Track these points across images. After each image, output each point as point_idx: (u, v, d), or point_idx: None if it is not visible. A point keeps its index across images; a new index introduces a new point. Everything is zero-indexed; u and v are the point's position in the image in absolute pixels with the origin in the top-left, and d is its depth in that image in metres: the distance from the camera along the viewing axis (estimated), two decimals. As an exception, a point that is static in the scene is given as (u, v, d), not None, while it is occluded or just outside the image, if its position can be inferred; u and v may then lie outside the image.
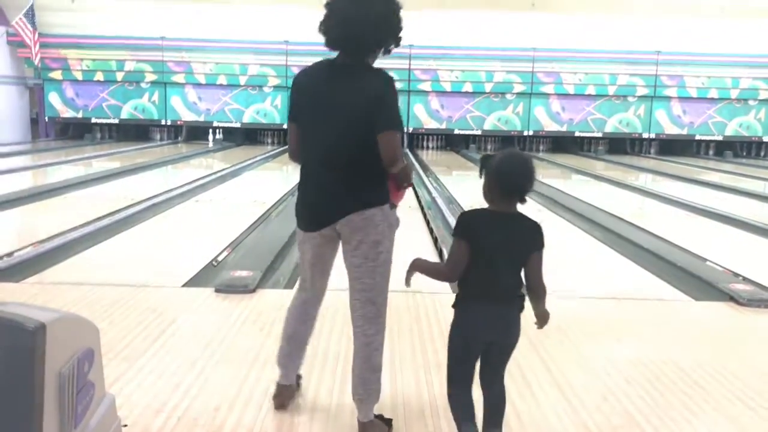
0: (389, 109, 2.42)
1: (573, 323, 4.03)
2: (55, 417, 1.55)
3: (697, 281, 5.10)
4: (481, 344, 2.35)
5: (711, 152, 19.03)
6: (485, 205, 2.35)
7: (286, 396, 2.80)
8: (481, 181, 2.33)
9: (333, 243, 2.61)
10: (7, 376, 1.48)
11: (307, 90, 2.55)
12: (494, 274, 2.30)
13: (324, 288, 2.80)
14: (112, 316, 3.88)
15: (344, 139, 2.44)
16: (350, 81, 2.46)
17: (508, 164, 2.30)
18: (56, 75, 17.52)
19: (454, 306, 2.37)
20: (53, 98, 17.63)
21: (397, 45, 2.54)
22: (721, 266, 5.57)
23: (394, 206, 2.58)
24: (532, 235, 2.36)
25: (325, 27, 2.47)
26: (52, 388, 1.53)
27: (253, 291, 4.44)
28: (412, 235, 6.69)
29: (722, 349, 3.70)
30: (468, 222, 2.33)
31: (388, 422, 2.63)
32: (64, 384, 1.56)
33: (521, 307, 2.35)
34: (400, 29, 2.51)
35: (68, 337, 1.60)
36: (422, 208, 7.92)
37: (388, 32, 2.49)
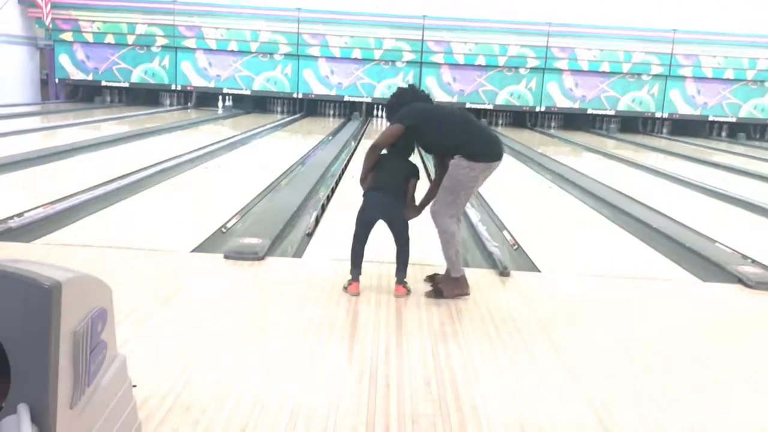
0: None
1: (580, 301, 4.04)
2: (69, 375, 1.57)
3: (706, 262, 5.08)
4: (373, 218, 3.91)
5: (724, 134, 18.86)
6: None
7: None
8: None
9: None
10: (23, 333, 1.49)
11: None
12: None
13: None
14: (121, 279, 3.90)
15: None
16: None
17: None
18: (67, 36, 17.42)
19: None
20: (64, 60, 17.55)
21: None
22: (730, 248, 5.55)
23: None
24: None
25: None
26: (67, 346, 1.54)
27: (262, 258, 4.46)
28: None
29: (729, 330, 3.70)
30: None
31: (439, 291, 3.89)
32: (78, 343, 1.57)
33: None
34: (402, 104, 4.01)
35: (83, 296, 1.61)
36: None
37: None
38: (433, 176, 4.28)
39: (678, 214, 6.93)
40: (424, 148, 4.16)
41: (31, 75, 17.42)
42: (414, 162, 3.99)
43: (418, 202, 4.02)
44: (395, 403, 2.63)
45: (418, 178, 3.97)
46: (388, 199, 3.86)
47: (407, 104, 3.95)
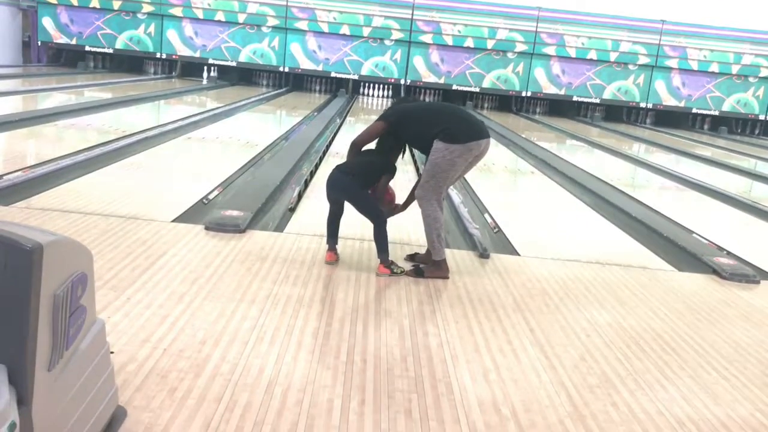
0: None
1: (557, 285, 4.09)
2: (48, 337, 1.57)
3: (682, 252, 5.16)
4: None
5: (706, 126, 19.04)
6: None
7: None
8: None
9: None
10: (3, 295, 1.48)
11: None
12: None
13: None
14: (101, 246, 3.88)
15: None
16: None
17: None
18: (51, -2, 17.09)
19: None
20: (47, 23, 17.21)
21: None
22: (706, 239, 5.64)
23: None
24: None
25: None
26: (46, 309, 1.54)
27: (243, 231, 4.45)
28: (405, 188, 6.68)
29: (701, 319, 3.77)
30: None
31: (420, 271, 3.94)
32: (58, 306, 1.57)
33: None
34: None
35: (64, 259, 1.61)
36: (415, 163, 7.90)
37: None
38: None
39: (657, 204, 7.02)
40: (412, 142, 4.18)
41: (12, 36, 17.06)
42: (392, 163, 4.13)
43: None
44: (371, 378, 2.66)
45: (392, 175, 4.10)
46: (334, 178, 3.98)
47: None
